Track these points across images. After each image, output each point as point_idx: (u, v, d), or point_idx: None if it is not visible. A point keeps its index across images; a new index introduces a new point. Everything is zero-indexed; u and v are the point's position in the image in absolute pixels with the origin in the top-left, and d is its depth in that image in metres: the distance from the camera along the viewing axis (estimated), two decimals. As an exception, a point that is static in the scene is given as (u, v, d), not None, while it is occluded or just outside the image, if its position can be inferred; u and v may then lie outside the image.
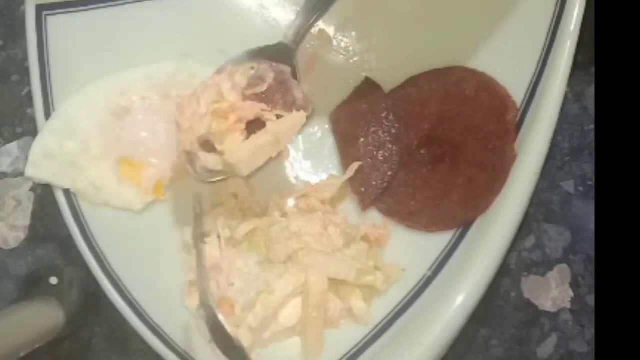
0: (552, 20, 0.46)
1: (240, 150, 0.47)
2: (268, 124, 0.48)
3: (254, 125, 0.48)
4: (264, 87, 0.48)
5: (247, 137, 0.48)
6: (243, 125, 0.48)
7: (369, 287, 0.47)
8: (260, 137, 0.47)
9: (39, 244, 0.55)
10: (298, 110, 0.48)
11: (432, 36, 0.50)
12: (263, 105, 0.48)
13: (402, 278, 0.47)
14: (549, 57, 0.45)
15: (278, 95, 0.48)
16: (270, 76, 0.49)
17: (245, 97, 0.48)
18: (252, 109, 0.48)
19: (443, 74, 0.49)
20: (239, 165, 0.46)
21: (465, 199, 0.47)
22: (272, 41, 0.51)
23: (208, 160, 0.48)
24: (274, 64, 0.49)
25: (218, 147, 0.47)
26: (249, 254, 0.49)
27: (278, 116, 0.48)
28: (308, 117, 0.49)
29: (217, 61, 0.50)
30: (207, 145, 0.48)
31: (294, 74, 0.50)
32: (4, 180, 0.56)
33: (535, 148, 0.44)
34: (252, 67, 0.49)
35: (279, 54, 0.51)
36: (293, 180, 0.51)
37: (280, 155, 0.50)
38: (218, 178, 0.50)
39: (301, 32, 0.52)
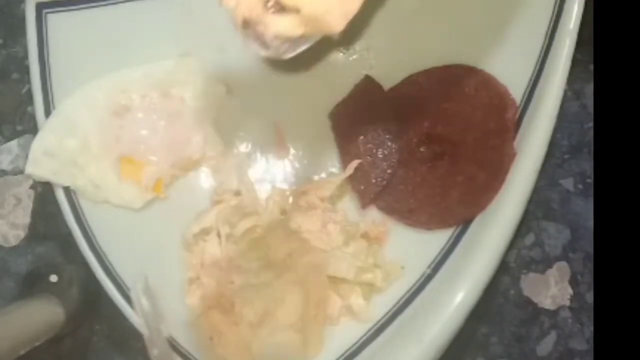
0: (551, 18, 0.46)
1: None
2: None
3: None
4: None
5: None
6: None
7: (369, 284, 0.47)
8: None
9: (39, 242, 0.55)
10: None
11: (431, 34, 0.50)
12: None
13: (401, 276, 0.47)
14: (548, 55, 0.45)
15: None
16: None
17: None
18: None
19: (443, 72, 0.49)
20: (329, 18, 0.34)
21: (464, 197, 0.47)
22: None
23: (281, 24, 0.35)
24: None
25: (291, 1, 0.34)
26: (249, 251, 0.49)
27: None
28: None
29: (217, 60, 0.50)
30: (274, 6, 0.35)
31: None
32: (4, 179, 0.56)
33: (534, 146, 0.44)
34: None
35: None
36: (293, 178, 0.51)
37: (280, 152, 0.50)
38: (302, 48, 0.37)
39: None
